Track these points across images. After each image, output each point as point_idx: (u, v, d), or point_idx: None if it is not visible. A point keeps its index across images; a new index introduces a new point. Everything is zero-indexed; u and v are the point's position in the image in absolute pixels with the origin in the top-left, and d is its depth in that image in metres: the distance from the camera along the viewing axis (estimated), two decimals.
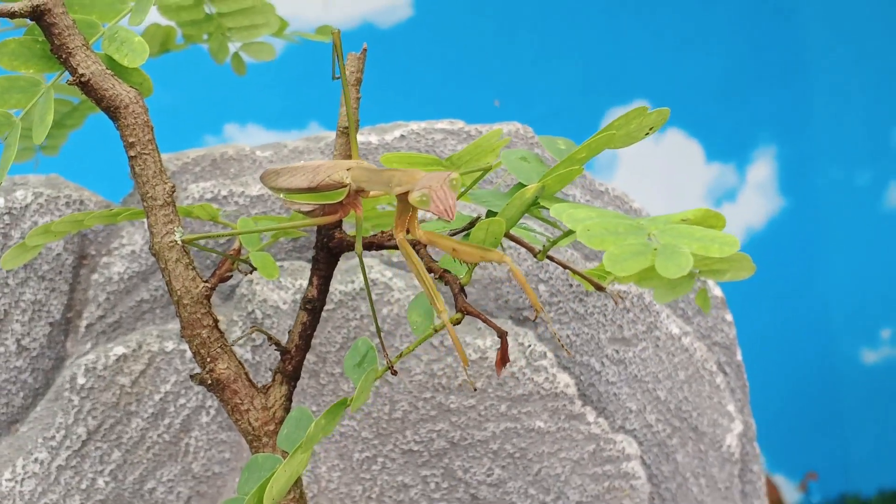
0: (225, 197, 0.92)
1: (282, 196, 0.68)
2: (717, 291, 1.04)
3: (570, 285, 0.96)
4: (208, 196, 0.91)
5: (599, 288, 0.73)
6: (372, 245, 0.71)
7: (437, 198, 0.56)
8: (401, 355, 0.64)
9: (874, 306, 2.25)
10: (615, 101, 2.06)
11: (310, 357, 0.91)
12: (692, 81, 2.11)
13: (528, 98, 2.01)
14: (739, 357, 1.04)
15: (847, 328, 2.25)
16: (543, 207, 0.66)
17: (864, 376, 2.26)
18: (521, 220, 0.76)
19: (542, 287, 0.95)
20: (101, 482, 0.88)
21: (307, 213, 0.68)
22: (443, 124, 0.98)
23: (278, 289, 0.90)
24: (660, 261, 0.53)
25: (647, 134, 0.65)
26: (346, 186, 0.64)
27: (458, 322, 0.63)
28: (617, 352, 0.97)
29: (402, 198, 0.60)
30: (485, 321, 0.63)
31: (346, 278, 0.91)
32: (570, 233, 0.67)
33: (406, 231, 0.62)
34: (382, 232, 0.71)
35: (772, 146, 2.20)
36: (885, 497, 2.20)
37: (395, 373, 0.64)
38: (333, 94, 0.73)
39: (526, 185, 0.66)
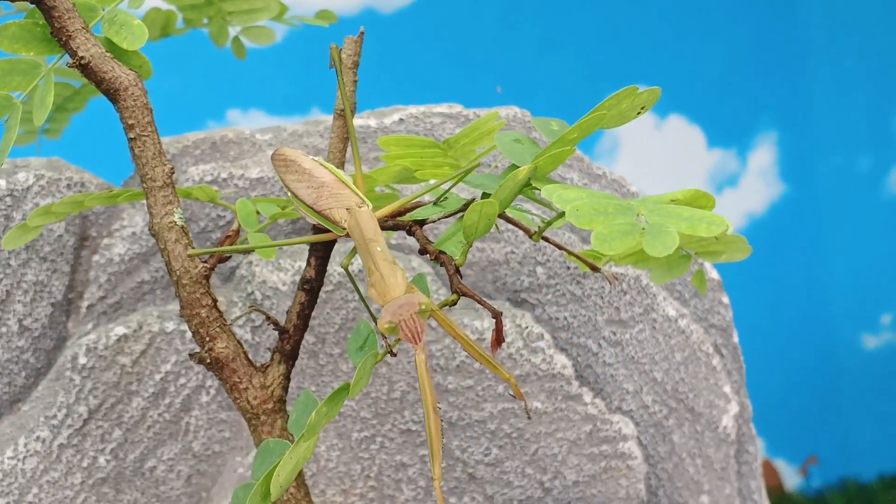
0: (224, 179, 0.92)
1: (289, 193, 0.68)
2: (714, 274, 1.04)
3: (568, 268, 0.96)
4: (208, 178, 0.92)
5: (594, 269, 0.74)
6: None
7: (406, 327, 0.57)
8: (399, 339, 0.65)
9: (875, 292, 2.25)
10: (617, 88, 2.06)
11: (308, 338, 0.92)
12: (694, 68, 2.11)
13: (530, 85, 2.02)
14: (736, 339, 1.05)
15: (848, 314, 2.26)
16: (536, 189, 0.66)
17: (865, 361, 2.27)
18: (518, 203, 0.76)
19: (539, 269, 0.96)
20: (102, 460, 0.89)
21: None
22: (441, 108, 0.99)
23: (278, 270, 0.91)
24: (647, 240, 0.54)
25: (639, 113, 0.65)
26: (342, 229, 0.65)
27: (454, 304, 0.64)
28: (614, 333, 0.98)
29: (372, 296, 0.60)
30: (480, 302, 0.64)
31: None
32: (562, 214, 0.68)
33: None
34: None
35: (773, 132, 2.20)
36: (886, 481, 2.21)
37: (394, 355, 0.65)
38: (335, 80, 0.73)
39: (519, 167, 0.67)
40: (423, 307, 0.58)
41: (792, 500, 2.13)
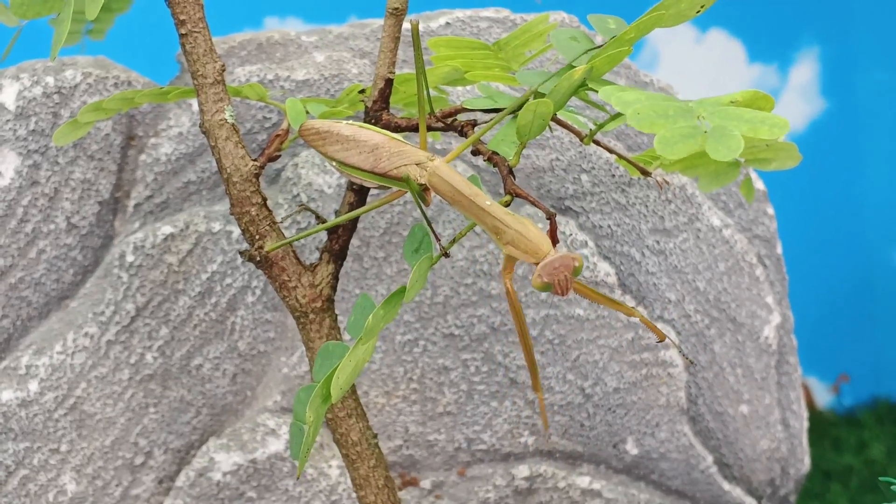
0: (271, 81, 0.92)
1: (333, 164, 0.67)
2: (760, 184, 1.04)
3: (613, 175, 0.96)
4: (254, 80, 0.92)
5: (645, 173, 0.74)
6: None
7: (559, 286, 0.58)
8: (454, 241, 0.65)
9: None
10: None
11: (353, 241, 0.92)
12: None
13: None
14: (779, 250, 1.05)
15: (885, 232, 2.24)
16: (591, 90, 0.66)
17: None
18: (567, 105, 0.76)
19: (584, 177, 0.95)
20: (149, 357, 0.90)
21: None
22: (488, 12, 0.98)
23: (323, 172, 0.91)
24: (710, 143, 0.53)
25: (699, 11, 0.64)
26: (418, 186, 0.63)
27: (507, 205, 0.64)
28: (657, 242, 0.97)
29: (513, 255, 0.60)
30: (533, 203, 0.64)
31: None
32: (618, 116, 0.67)
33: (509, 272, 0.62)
34: (432, 114, 0.71)
35: (815, 47, 2.17)
36: None
37: (448, 256, 0.64)
38: None
39: (574, 67, 0.66)
40: (578, 266, 0.58)
41: (823, 417, 2.14)
